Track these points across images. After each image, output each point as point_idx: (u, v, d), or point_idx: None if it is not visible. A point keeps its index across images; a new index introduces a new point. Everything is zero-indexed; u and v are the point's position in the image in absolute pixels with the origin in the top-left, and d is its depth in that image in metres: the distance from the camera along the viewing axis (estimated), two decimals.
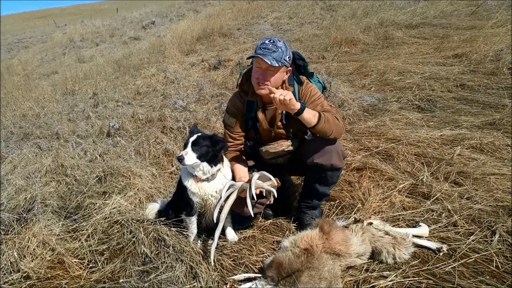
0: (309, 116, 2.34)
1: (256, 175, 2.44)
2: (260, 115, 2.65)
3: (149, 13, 22.48)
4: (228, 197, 2.46)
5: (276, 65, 2.34)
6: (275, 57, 2.33)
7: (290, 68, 2.51)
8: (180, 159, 2.36)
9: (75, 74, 10.13)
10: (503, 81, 4.83)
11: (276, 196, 2.44)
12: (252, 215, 2.48)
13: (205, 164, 2.48)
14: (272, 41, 2.39)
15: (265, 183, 2.46)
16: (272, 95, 2.26)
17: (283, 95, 2.23)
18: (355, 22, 9.01)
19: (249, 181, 2.41)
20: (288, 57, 2.43)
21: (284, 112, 2.60)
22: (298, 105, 2.30)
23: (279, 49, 2.36)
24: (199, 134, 2.52)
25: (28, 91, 8.91)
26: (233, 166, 2.71)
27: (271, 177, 2.47)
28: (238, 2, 15.32)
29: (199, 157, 2.42)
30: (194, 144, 2.43)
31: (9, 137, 5.54)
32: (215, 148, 2.50)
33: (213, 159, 2.51)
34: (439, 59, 6.02)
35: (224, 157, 2.69)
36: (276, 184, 2.48)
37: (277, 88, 2.45)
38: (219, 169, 2.60)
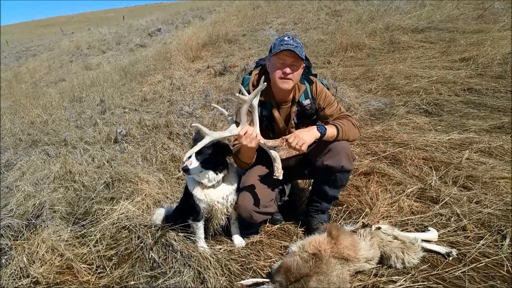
0: (330, 134, 2.41)
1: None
2: (276, 113, 2.63)
3: (155, 20, 22.67)
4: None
5: (303, 57, 2.37)
6: (298, 52, 2.34)
7: (304, 65, 2.52)
8: (186, 170, 2.36)
9: (82, 82, 10.23)
10: (511, 84, 4.80)
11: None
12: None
13: (210, 172, 2.48)
14: (291, 37, 2.40)
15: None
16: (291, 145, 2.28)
17: (299, 144, 2.26)
18: (360, 27, 9.00)
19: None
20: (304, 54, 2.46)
21: (298, 110, 2.62)
22: (317, 134, 2.36)
23: (300, 45, 2.38)
24: None
25: (36, 99, 9.03)
26: None
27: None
28: (243, 9, 15.41)
29: (203, 166, 2.42)
30: (198, 153, 2.41)
31: (17, 144, 5.59)
32: (220, 155, 2.50)
33: (218, 166, 2.51)
34: (446, 63, 6.00)
35: (229, 162, 2.68)
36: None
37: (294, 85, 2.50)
38: (225, 175, 2.60)
